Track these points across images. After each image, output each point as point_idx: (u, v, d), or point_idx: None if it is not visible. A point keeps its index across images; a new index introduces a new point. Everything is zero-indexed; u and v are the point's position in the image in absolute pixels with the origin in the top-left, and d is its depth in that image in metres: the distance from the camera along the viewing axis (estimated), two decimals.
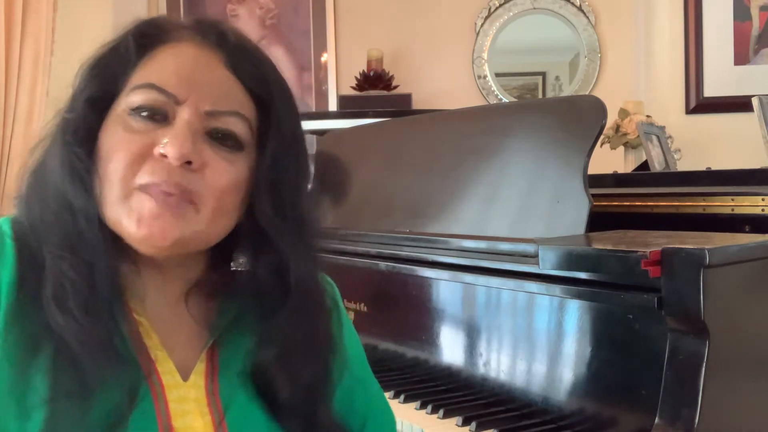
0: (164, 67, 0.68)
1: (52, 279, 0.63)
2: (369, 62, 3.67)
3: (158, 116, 0.66)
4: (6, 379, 0.61)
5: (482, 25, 3.84)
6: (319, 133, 2.19)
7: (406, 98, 3.59)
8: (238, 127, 0.68)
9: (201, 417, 0.68)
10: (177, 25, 0.72)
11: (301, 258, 0.71)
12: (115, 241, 0.66)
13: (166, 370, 0.69)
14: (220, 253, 0.74)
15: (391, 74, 3.68)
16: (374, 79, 3.63)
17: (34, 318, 0.62)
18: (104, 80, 0.69)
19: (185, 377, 0.70)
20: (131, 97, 0.67)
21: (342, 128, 2.34)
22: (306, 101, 3.81)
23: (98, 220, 0.66)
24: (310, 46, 3.86)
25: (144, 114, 0.66)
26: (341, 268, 1.52)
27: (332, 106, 3.79)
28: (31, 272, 0.64)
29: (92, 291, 0.63)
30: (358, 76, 3.66)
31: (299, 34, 3.86)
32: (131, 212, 0.64)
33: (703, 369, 0.88)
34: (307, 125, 0.83)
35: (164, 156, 0.64)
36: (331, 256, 1.19)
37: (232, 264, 0.75)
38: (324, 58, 3.85)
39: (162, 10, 3.84)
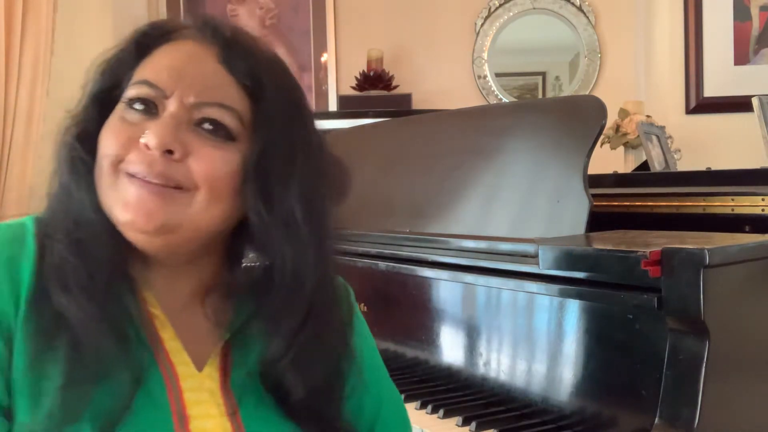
0: (158, 64, 0.70)
1: (56, 262, 0.65)
2: (369, 62, 3.67)
3: (151, 109, 0.68)
4: (23, 366, 0.63)
5: (482, 25, 3.84)
6: None
7: (406, 98, 3.59)
8: (224, 118, 0.68)
9: (216, 408, 0.69)
10: (179, 25, 0.73)
11: (295, 253, 0.70)
12: (121, 235, 0.68)
13: (181, 360, 0.70)
14: (234, 251, 0.75)
15: (391, 74, 3.68)
16: (374, 79, 3.63)
17: (50, 309, 0.64)
18: (108, 79, 0.71)
19: (200, 367, 0.71)
20: (127, 93, 0.69)
21: (342, 128, 2.34)
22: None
23: (97, 207, 0.67)
24: (310, 46, 3.86)
25: (137, 107, 0.68)
26: (341, 268, 1.52)
27: (332, 106, 3.79)
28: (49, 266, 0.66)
29: (92, 274, 0.65)
30: (358, 76, 3.66)
31: (299, 34, 3.86)
32: (118, 196, 0.66)
33: (703, 369, 0.88)
34: None
35: (147, 147, 0.65)
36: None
37: (242, 260, 0.75)
38: (324, 58, 3.85)
39: (162, 10, 3.84)
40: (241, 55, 0.71)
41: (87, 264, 0.65)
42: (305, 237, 0.71)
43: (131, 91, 0.69)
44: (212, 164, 0.67)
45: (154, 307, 0.71)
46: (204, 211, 0.67)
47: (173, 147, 0.66)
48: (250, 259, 0.75)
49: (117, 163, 0.66)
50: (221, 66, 0.70)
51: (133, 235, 0.67)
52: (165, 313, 0.71)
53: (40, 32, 2.87)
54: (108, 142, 0.67)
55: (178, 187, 0.66)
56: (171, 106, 0.67)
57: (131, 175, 0.66)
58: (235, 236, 0.74)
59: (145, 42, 0.72)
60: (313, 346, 0.71)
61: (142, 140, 0.65)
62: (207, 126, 0.68)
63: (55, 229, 0.67)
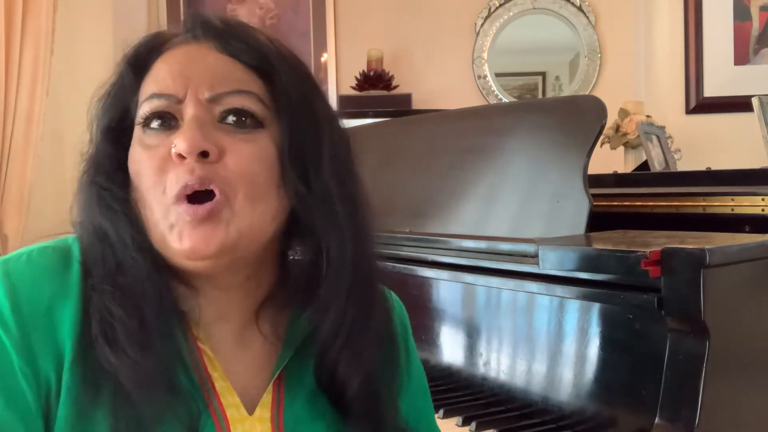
0: (159, 75, 0.66)
1: (98, 315, 0.61)
2: (369, 62, 3.67)
3: (169, 122, 0.65)
4: (69, 419, 0.60)
5: (482, 25, 3.84)
6: None
7: (406, 98, 3.59)
8: (248, 103, 0.65)
9: None
10: (168, 35, 0.70)
11: (335, 230, 0.67)
12: (168, 267, 0.64)
13: (231, 403, 0.67)
14: (283, 254, 0.71)
15: (391, 74, 3.68)
16: (374, 79, 3.63)
17: (95, 356, 0.60)
18: (115, 109, 0.68)
19: (250, 409, 0.68)
20: (139, 115, 0.66)
21: None
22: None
23: (139, 245, 0.64)
24: (310, 46, 3.86)
25: (155, 126, 0.65)
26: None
27: (332, 106, 3.78)
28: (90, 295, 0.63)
29: (142, 323, 0.61)
30: (358, 76, 3.66)
31: (299, 34, 3.86)
32: (172, 229, 0.62)
33: (703, 369, 0.88)
34: None
35: (180, 157, 0.62)
36: None
37: (289, 253, 0.71)
38: (324, 58, 3.85)
39: (162, 10, 3.84)
40: (239, 39, 0.67)
41: (136, 314, 0.61)
42: (341, 213, 0.67)
43: (142, 110, 0.65)
44: (248, 160, 0.63)
45: (203, 343, 0.67)
46: (252, 214, 0.64)
47: (206, 147, 0.62)
48: (297, 253, 0.71)
49: (162, 192, 0.62)
50: (223, 55, 0.67)
51: (194, 264, 0.63)
52: (214, 346, 0.68)
53: (40, 32, 2.87)
54: (145, 175, 0.63)
55: (222, 194, 0.62)
56: (188, 109, 0.64)
57: (178, 201, 0.62)
58: (284, 235, 0.70)
59: (139, 63, 0.68)
60: (361, 325, 0.69)
61: (174, 151, 0.62)
62: (231, 119, 0.64)
63: (95, 275, 0.63)
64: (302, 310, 0.69)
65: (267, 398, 0.69)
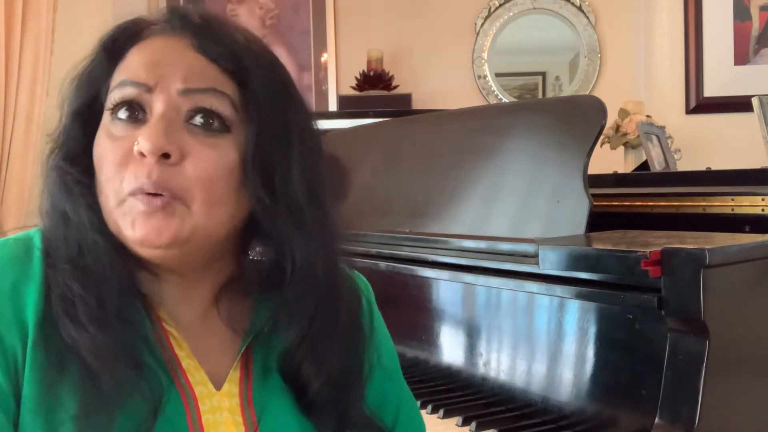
0: (133, 63, 0.66)
1: (59, 291, 0.62)
2: (369, 62, 3.67)
3: (136, 113, 0.64)
4: (35, 396, 0.61)
5: (482, 25, 3.84)
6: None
7: (406, 98, 3.59)
8: (218, 104, 0.65)
9: (235, 427, 0.68)
10: (147, 22, 0.69)
11: (302, 239, 0.67)
12: (127, 251, 0.65)
13: (198, 380, 0.68)
14: (244, 247, 0.71)
15: (391, 74, 3.68)
16: (374, 79, 3.63)
17: (60, 336, 0.62)
18: (85, 94, 0.68)
19: (218, 386, 0.69)
20: (108, 101, 0.66)
21: (342, 128, 2.34)
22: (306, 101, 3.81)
23: (99, 229, 0.64)
24: (310, 46, 3.86)
25: (122, 116, 0.64)
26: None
27: (332, 106, 3.79)
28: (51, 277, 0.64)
29: (101, 302, 0.62)
30: (358, 76, 3.66)
31: (299, 34, 3.86)
32: (125, 217, 0.63)
33: (703, 369, 0.88)
34: None
35: (142, 154, 0.62)
36: None
37: (249, 253, 0.71)
38: (324, 58, 3.85)
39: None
40: (215, 39, 0.66)
41: (95, 292, 0.62)
42: (310, 221, 0.68)
43: (112, 96, 0.65)
44: (208, 167, 0.63)
45: (168, 324, 0.68)
46: (208, 216, 0.64)
47: (169, 149, 0.62)
48: (256, 253, 0.71)
49: (119, 183, 0.63)
50: (198, 54, 0.66)
51: (147, 252, 0.64)
52: (180, 328, 0.69)
53: (40, 32, 2.87)
54: (106, 165, 0.64)
55: (178, 198, 0.63)
56: (158, 103, 0.64)
57: (131, 192, 0.63)
58: (244, 231, 0.71)
59: (115, 47, 0.67)
60: (327, 332, 0.70)
61: (136, 148, 0.62)
62: (199, 120, 0.64)
63: (56, 255, 0.64)
64: (268, 299, 0.70)
65: (235, 374, 0.70)
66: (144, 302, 0.66)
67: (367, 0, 3.83)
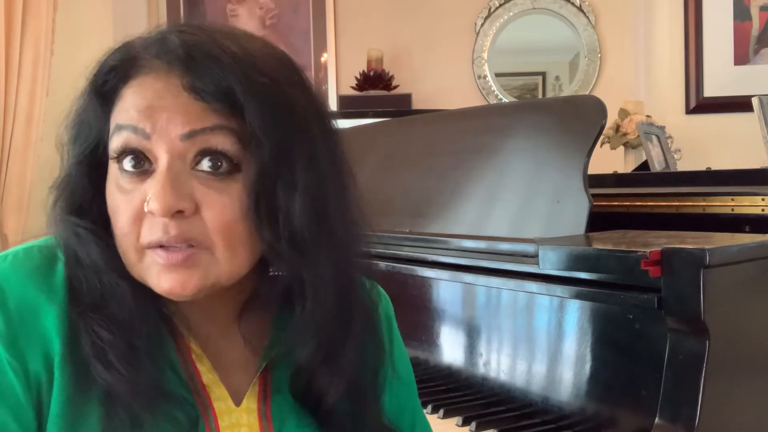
0: (127, 106, 0.63)
1: (88, 338, 0.61)
2: (369, 62, 3.67)
3: (142, 162, 0.62)
4: (61, 413, 0.61)
5: (482, 25, 3.84)
6: None
7: (406, 98, 3.59)
8: (223, 142, 0.61)
9: None
10: (134, 56, 0.64)
11: (311, 271, 0.66)
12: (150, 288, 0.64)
13: (218, 396, 0.68)
14: (264, 264, 0.69)
15: (391, 74, 3.68)
16: (374, 79, 3.63)
17: (84, 359, 0.62)
18: (84, 139, 0.66)
19: (238, 402, 0.69)
20: (110, 148, 0.63)
21: (342, 128, 2.33)
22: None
23: (120, 273, 0.63)
24: (310, 46, 3.86)
25: (127, 167, 0.62)
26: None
27: (332, 106, 3.78)
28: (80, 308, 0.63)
29: (131, 345, 0.61)
30: (358, 76, 3.66)
31: (299, 34, 3.86)
32: (149, 270, 0.62)
33: (703, 369, 0.88)
34: None
35: (154, 214, 0.60)
36: None
37: (270, 269, 0.69)
38: (324, 58, 3.85)
39: (162, 10, 3.84)
40: (204, 75, 0.61)
41: (124, 336, 0.62)
42: (317, 250, 0.65)
43: (113, 144, 0.63)
44: (224, 213, 0.61)
45: (190, 340, 0.68)
46: (232, 261, 0.63)
47: (181, 206, 0.60)
48: (276, 268, 0.70)
49: (136, 239, 0.62)
50: (189, 95, 0.61)
51: (176, 300, 0.63)
52: (201, 343, 0.68)
53: (40, 32, 2.88)
54: (120, 221, 0.62)
55: (199, 247, 0.61)
56: (161, 153, 0.61)
57: (152, 246, 0.61)
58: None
59: (106, 89, 0.64)
60: (342, 346, 0.69)
61: (146, 209, 0.60)
62: (207, 165, 0.61)
63: (80, 299, 0.63)
64: (287, 316, 0.69)
65: (254, 390, 0.70)
66: (168, 323, 0.66)
67: (367, 0, 3.83)
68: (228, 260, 0.62)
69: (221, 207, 0.61)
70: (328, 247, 0.66)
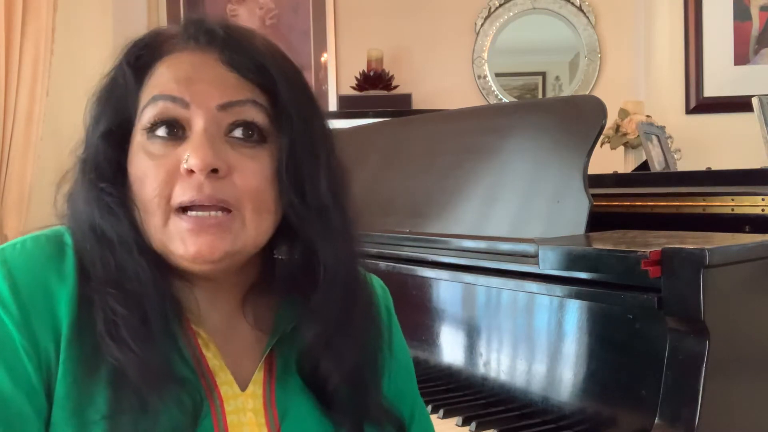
0: (163, 79, 0.67)
1: (102, 314, 0.63)
2: (369, 62, 3.67)
3: (175, 129, 0.65)
4: (68, 395, 0.62)
5: (482, 25, 3.84)
6: None
7: (406, 98, 3.59)
8: (256, 115, 0.66)
9: (258, 428, 0.69)
10: (168, 35, 0.70)
11: (331, 242, 0.70)
12: (163, 263, 0.66)
13: (224, 381, 0.69)
14: (270, 248, 0.73)
15: (391, 74, 3.68)
16: (374, 79, 3.63)
17: (94, 334, 0.63)
18: (114, 112, 0.68)
19: (243, 386, 0.70)
20: (143, 119, 0.66)
21: (342, 128, 2.34)
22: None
23: (141, 247, 0.65)
24: (310, 46, 3.86)
25: (160, 134, 0.65)
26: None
27: (332, 106, 3.79)
28: (89, 290, 0.64)
29: (144, 320, 0.63)
30: (358, 76, 3.66)
31: (299, 34, 3.86)
32: (174, 234, 0.64)
33: (703, 369, 0.88)
34: None
35: (190, 171, 0.63)
36: None
37: (275, 252, 0.73)
38: (324, 58, 3.85)
39: (162, 10, 3.84)
40: (242, 52, 0.68)
41: (138, 312, 0.63)
42: (337, 225, 0.70)
43: (147, 115, 0.65)
44: (254, 177, 0.65)
45: (197, 325, 0.69)
46: (259, 227, 0.66)
47: (217, 165, 0.63)
48: (282, 252, 0.73)
49: (166, 202, 0.64)
50: (228, 68, 0.67)
51: (198, 267, 0.65)
52: (207, 329, 0.70)
53: (40, 32, 2.87)
54: (149, 184, 0.64)
55: (227, 209, 0.64)
56: (198, 119, 0.65)
57: (182, 211, 0.64)
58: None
59: (140, 64, 0.68)
60: (345, 330, 0.71)
61: (184, 165, 0.63)
62: (239, 133, 0.66)
63: (94, 276, 0.64)
64: (291, 300, 0.72)
65: (259, 376, 0.71)
66: (177, 307, 0.67)
67: (367, 0, 3.83)
68: (255, 226, 0.66)
69: (251, 172, 0.65)
70: (344, 227, 0.72)
